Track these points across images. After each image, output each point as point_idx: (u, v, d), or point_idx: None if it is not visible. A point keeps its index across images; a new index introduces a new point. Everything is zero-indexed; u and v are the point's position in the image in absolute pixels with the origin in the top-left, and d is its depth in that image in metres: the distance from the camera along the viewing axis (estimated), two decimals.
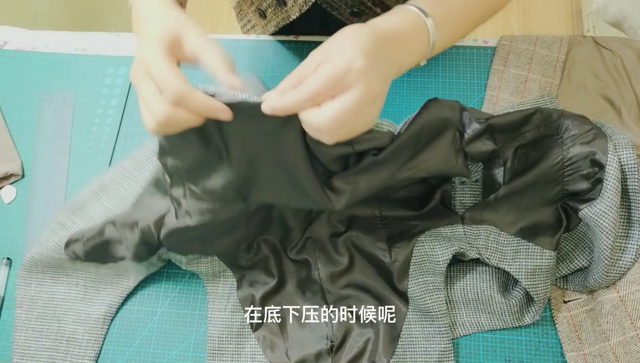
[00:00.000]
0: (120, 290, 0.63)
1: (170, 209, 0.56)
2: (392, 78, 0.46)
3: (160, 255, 0.60)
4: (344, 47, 0.42)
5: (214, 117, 0.44)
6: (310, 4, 0.65)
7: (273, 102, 0.43)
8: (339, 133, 0.43)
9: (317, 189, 0.51)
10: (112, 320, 0.62)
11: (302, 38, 0.76)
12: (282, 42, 0.76)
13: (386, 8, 0.69)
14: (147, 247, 0.58)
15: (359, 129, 0.45)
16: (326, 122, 0.41)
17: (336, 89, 0.41)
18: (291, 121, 0.45)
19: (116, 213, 0.63)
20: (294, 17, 0.69)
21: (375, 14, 0.70)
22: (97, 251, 0.60)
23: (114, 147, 0.71)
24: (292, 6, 0.67)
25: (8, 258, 0.66)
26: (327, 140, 0.44)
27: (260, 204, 0.57)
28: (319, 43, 0.74)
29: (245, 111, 0.45)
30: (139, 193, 0.64)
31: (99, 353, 0.61)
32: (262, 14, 0.73)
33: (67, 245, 0.61)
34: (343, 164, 0.53)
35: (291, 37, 0.76)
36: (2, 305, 0.64)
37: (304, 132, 0.47)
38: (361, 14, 0.70)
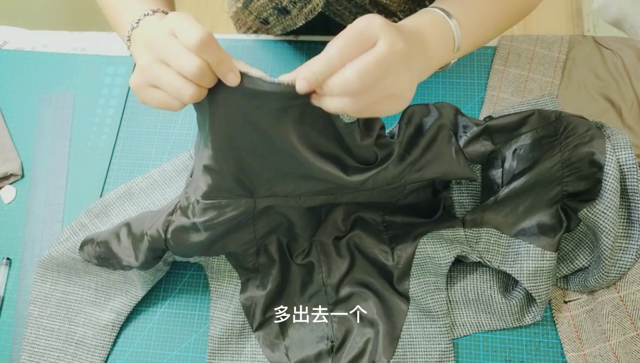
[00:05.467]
0: (129, 298, 0.63)
1: (177, 206, 0.56)
2: (418, 73, 0.44)
3: (165, 259, 0.60)
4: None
5: (222, 76, 0.41)
6: (317, 13, 0.65)
7: (302, 73, 0.40)
8: (367, 97, 0.40)
9: (327, 171, 0.50)
10: (120, 328, 0.62)
11: (302, 38, 0.75)
12: (281, 41, 0.76)
13: (390, 13, 0.69)
14: (154, 253, 0.58)
15: (389, 102, 0.41)
16: (353, 77, 0.38)
17: (360, 46, 0.39)
18: (289, 109, 0.45)
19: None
20: (300, 24, 0.69)
21: None
22: (106, 256, 0.60)
23: (114, 147, 0.71)
24: (297, 15, 0.67)
25: (8, 258, 0.66)
26: (354, 106, 0.40)
27: (269, 197, 0.56)
28: (319, 43, 0.75)
29: (245, 98, 0.44)
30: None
31: (106, 360, 0.61)
32: (264, 22, 0.73)
33: (82, 246, 0.62)
34: (373, 156, 0.52)
35: (291, 37, 0.76)
36: (1, 305, 0.65)
37: (301, 120, 0.47)
38: None
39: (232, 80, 0.41)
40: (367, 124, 0.50)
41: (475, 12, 0.51)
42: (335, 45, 0.39)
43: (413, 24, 0.47)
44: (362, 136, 0.49)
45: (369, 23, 0.39)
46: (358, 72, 0.38)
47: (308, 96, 0.42)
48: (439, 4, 0.50)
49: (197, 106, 0.47)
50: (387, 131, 0.57)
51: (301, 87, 0.40)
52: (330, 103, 0.41)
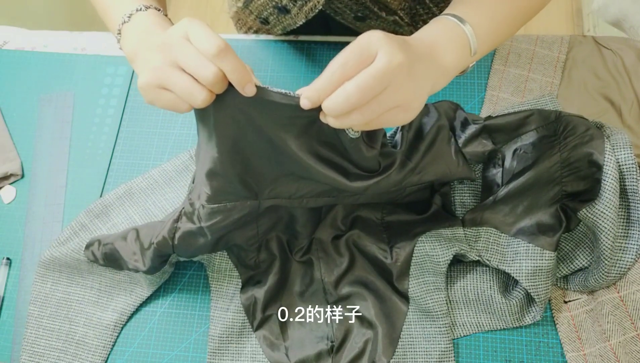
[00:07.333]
0: (134, 298, 0.63)
1: (182, 213, 0.57)
2: (431, 84, 0.45)
3: (170, 261, 0.60)
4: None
5: (239, 87, 0.42)
6: (317, 11, 0.65)
7: (306, 92, 0.41)
8: (372, 109, 0.41)
9: (329, 177, 0.51)
10: (122, 327, 0.62)
11: (302, 38, 0.75)
12: (281, 41, 0.76)
13: (391, 11, 0.69)
14: (161, 258, 0.58)
15: (395, 113, 0.42)
16: (353, 90, 0.39)
17: (361, 62, 0.40)
18: (297, 119, 0.45)
19: (140, 224, 0.63)
20: (300, 23, 0.69)
21: (380, 18, 0.70)
22: (112, 257, 0.60)
23: (114, 147, 0.71)
24: (297, 13, 0.67)
25: (8, 258, 0.66)
26: (360, 119, 0.41)
27: (273, 198, 0.56)
28: (319, 43, 0.75)
29: (251, 106, 0.45)
30: (167, 210, 0.64)
31: (106, 360, 0.61)
32: (265, 21, 0.73)
33: (88, 246, 0.62)
34: (377, 165, 0.53)
35: (291, 37, 0.76)
36: (1, 305, 0.65)
37: (305, 131, 0.47)
38: (365, 18, 0.70)
39: (249, 91, 0.42)
40: (370, 136, 0.50)
41: (490, 13, 0.51)
42: (337, 62, 0.40)
43: (424, 36, 0.47)
44: (368, 148, 0.50)
45: (369, 39, 0.40)
46: (357, 86, 0.39)
47: (317, 110, 0.42)
48: (452, 10, 0.50)
49: (200, 111, 0.47)
50: (388, 134, 0.57)
51: (304, 105, 0.41)
52: (337, 121, 0.42)
